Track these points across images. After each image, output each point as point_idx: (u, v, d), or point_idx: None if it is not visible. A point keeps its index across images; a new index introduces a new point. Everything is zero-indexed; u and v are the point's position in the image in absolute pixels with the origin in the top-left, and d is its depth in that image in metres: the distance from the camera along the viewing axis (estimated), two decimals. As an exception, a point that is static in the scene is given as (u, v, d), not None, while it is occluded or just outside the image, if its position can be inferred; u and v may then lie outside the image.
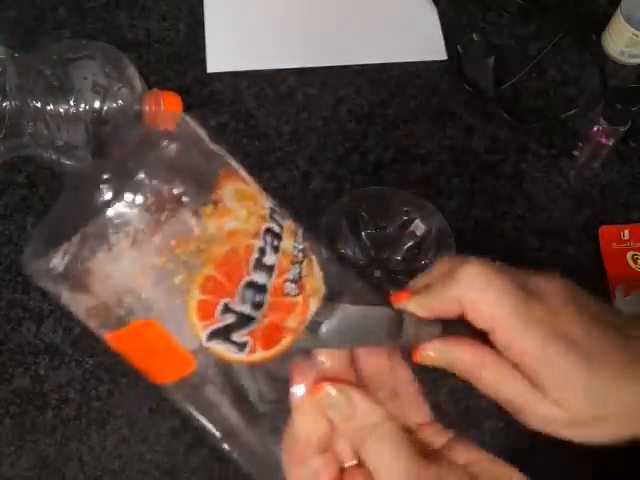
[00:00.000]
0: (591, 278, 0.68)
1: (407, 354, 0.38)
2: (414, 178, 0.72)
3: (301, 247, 0.33)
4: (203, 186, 0.30)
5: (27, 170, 0.70)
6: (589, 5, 0.83)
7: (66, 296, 0.30)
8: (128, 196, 0.28)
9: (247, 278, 0.30)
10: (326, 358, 0.35)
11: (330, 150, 0.73)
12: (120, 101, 0.65)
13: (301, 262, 0.33)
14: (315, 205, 0.69)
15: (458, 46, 0.78)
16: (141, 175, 0.28)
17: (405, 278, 0.62)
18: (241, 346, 0.31)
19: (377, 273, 0.63)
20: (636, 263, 0.67)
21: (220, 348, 0.31)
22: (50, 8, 0.79)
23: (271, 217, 0.32)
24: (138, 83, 0.67)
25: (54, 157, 0.66)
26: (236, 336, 0.31)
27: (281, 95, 0.76)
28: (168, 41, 0.78)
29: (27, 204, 0.69)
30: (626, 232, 0.69)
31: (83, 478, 0.59)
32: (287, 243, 0.32)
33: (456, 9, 0.82)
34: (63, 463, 0.59)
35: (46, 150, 0.65)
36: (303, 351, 0.34)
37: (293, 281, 0.32)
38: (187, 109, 0.72)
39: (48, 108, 0.63)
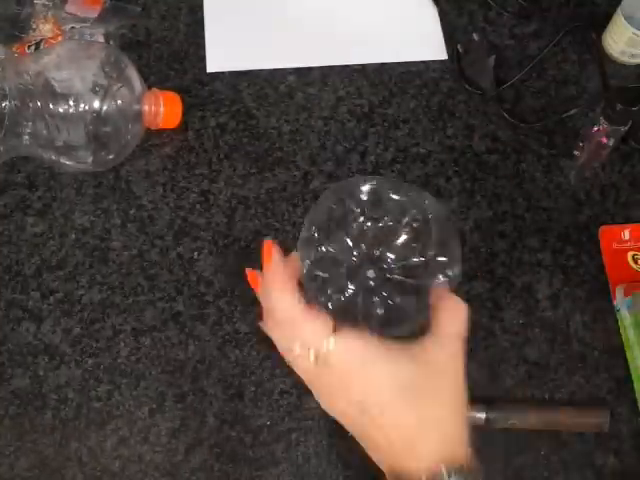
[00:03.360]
0: (591, 278, 0.68)
1: None
2: (414, 178, 0.72)
3: None
4: None
5: (27, 170, 0.70)
6: (589, 5, 0.83)
7: None
8: None
9: None
10: None
11: (330, 150, 0.73)
12: (120, 101, 0.65)
13: None
14: (315, 205, 0.69)
15: (458, 46, 0.78)
16: None
17: (402, 277, 0.53)
18: None
19: (370, 273, 0.53)
20: (636, 263, 0.67)
21: None
22: (50, 8, 0.79)
23: None
24: (138, 82, 0.68)
25: (53, 157, 0.65)
26: None
27: (281, 95, 0.76)
28: (168, 41, 0.78)
29: (26, 204, 0.69)
30: (626, 232, 0.69)
31: (82, 479, 0.59)
32: None
33: (456, 9, 0.82)
34: (62, 464, 0.59)
35: (45, 150, 0.65)
36: None
37: None
38: (187, 109, 0.72)
39: (47, 108, 0.63)
